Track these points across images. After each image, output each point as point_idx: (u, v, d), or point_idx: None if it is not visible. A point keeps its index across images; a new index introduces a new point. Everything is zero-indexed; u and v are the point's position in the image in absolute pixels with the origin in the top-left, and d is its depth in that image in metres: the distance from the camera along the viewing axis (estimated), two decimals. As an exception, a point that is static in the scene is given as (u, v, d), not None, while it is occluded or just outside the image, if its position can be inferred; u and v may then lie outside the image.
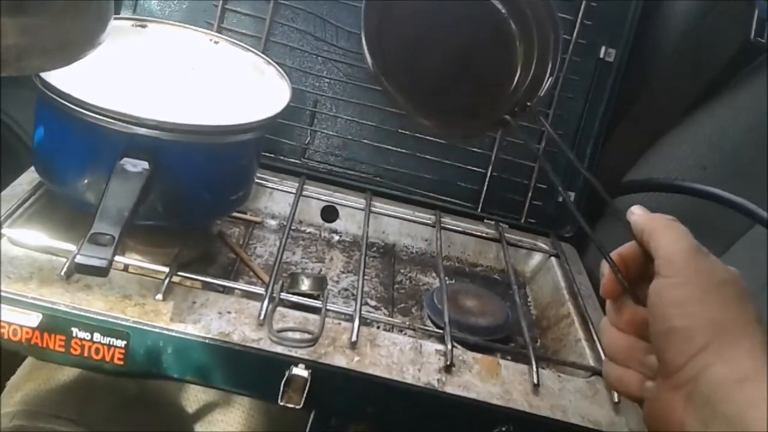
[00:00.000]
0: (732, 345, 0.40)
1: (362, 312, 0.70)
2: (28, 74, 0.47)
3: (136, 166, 0.63)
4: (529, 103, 0.58)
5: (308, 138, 0.97)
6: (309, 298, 0.73)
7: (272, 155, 0.95)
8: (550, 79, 0.59)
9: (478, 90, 0.60)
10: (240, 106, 0.79)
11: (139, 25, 0.82)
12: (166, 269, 0.68)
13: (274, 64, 0.84)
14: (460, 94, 0.58)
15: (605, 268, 0.48)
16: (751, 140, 0.88)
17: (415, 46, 0.59)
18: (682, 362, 0.41)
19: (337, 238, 0.95)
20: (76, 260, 0.54)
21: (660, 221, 0.46)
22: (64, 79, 0.66)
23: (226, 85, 0.83)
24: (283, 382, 0.62)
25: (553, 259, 0.94)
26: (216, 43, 0.85)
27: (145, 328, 0.62)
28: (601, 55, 0.96)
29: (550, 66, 0.60)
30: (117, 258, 0.69)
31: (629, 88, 0.98)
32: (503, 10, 0.60)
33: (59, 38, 0.43)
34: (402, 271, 0.92)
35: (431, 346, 0.69)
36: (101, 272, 0.53)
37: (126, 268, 0.70)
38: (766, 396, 0.37)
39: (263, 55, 0.85)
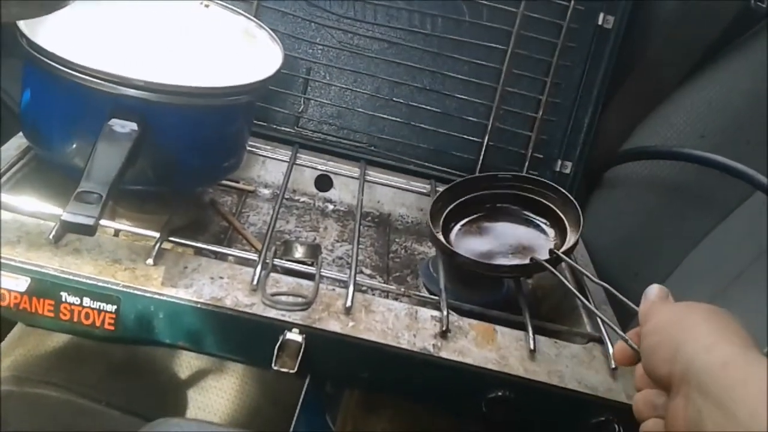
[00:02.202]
0: (705, 336, 0.43)
1: (357, 279, 0.69)
2: (5, 22, 0.46)
3: (125, 127, 0.62)
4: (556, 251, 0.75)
5: (301, 106, 0.96)
6: (303, 265, 0.72)
7: (265, 124, 0.94)
8: (572, 242, 0.76)
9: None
10: (231, 71, 0.77)
11: (128, -11, 0.80)
12: (157, 234, 0.67)
13: (266, 28, 0.82)
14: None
15: (618, 345, 0.55)
16: (749, 107, 0.87)
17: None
18: (669, 368, 0.45)
19: (331, 207, 0.94)
20: (62, 218, 0.52)
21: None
22: (51, 41, 0.65)
23: (217, 49, 0.82)
24: (277, 347, 0.61)
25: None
26: (207, 6, 0.83)
27: (136, 292, 0.61)
28: (600, 22, 0.95)
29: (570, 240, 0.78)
30: (107, 223, 0.68)
31: (627, 56, 0.96)
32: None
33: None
34: (397, 240, 0.91)
35: (427, 313, 0.68)
36: (88, 230, 0.52)
37: (116, 233, 0.69)
38: (749, 376, 0.40)
39: (255, 19, 0.84)
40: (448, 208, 0.83)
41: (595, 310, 0.68)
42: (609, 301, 0.77)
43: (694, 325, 0.45)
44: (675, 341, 0.45)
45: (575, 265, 0.75)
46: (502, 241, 0.81)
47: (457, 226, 0.83)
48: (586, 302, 0.70)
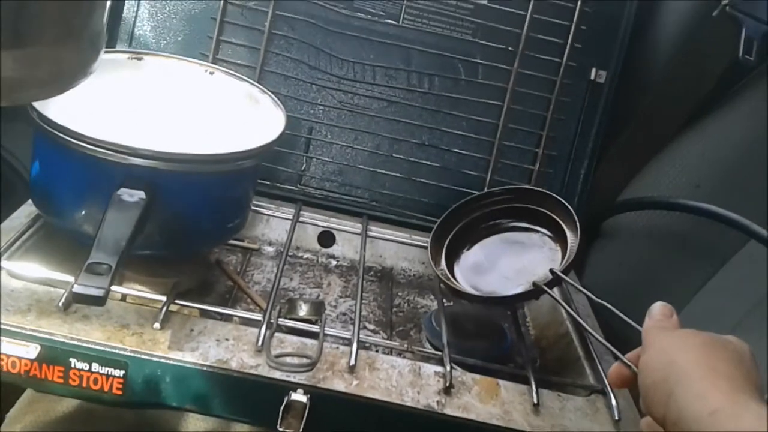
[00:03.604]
0: (697, 382, 0.43)
1: (360, 336, 0.70)
2: (21, 104, 0.48)
3: (133, 196, 0.63)
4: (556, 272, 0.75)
5: (304, 165, 0.98)
6: (307, 323, 0.73)
7: (268, 182, 0.96)
8: (574, 249, 0.77)
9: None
10: (236, 135, 0.80)
11: (134, 58, 0.84)
12: (164, 298, 0.68)
13: (269, 92, 0.85)
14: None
15: (614, 367, 0.55)
16: (743, 156, 0.89)
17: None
18: (663, 411, 0.45)
19: (334, 263, 0.95)
20: (73, 290, 0.54)
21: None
22: (60, 111, 0.67)
23: (222, 114, 0.84)
24: (282, 408, 0.61)
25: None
26: (211, 73, 0.86)
27: (144, 357, 0.62)
28: (592, 77, 0.98)
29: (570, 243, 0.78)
30: (114, 288, 0.69)
31: (621, 109, 0.99)
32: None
33: (53, 68, 0.44)
34: (400, 294, 0.92)
35: (430, 369, 0.69)
36: (99, 302, 0.54)
37: (124, 298, 0.71)
38: (738, 425, 0.40)
39: (258, 84, 0.87)
40: (448, 239, 0.85)
41: (591, 331, 0.68)
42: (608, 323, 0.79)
43: (686, 368, 0.45)
44: (668, 385, 0.45)
45: (575, 284, 0.75)
46: (508, 260, 0.82)
47: (462, 255, 0.84)
48: (579, 320, 0.71)
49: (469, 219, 0.86)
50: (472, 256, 0.84)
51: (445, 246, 0.85)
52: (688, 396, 0.43)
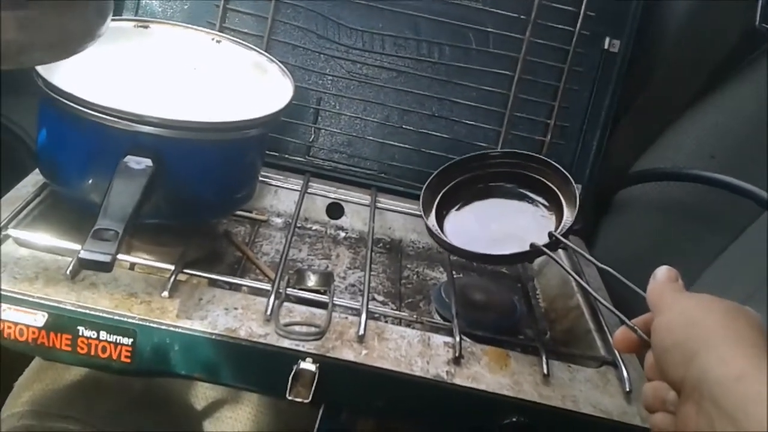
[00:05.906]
0: (722, 346, 0.42)
1: (369, 306, 0.69)
2: (27, 67, 0.47)
3: (140, 163, 0.63)
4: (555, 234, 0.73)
5: (312, 136, 0.97)
6: (316, 293, 0.72)
7: (277, 154, 0.95)
8: (570, 220, 0.75)
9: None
10: (243, 105, 0.79)
11: (141, 26, 0.83)
12: (172, 267, 0.68)
13: (277, 61, 0.84)
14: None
15: (620, 331, 0.54)
16: (758, 127, 0.87)
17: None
18: (683, 373, 0.44)
19: (343, 234, 0.95)
20: (79, 255, 0.54)
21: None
22: (66, 80, 0.66)
23: (229, 83, 0.83)
24: (290, 377, 0.61)
25: (560, 251, 0.93)
26: (218, 42, 0.85)
27: (152, 325, 0.62)
28: (606, 47, 0.96)
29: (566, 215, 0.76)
30: (123, 257, 0.69)
31: (634, 79, 0.97)
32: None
33: (59, 31, 0.43)
34: (409, 266, 0.92)
35: (439, 339, 0.68)
36: (105, 267, 0.53)
37: (132, 266, 0.70)
38: (764, 392, 0.39)
39: (266, 53, 0.86)
40: (440, 194, 0.82)
41: (596, 295, 0.67)
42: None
43: (710, 331, 0.44)
44: (690, 348, 0.44)
45: (575, 248, 0.74)
46: (500, 224, 0.80)
47: (452, 212, 0.82)
48: (584, 284, 0.69)
49: (465, 177, 0.83)
50: (462, 216, 0.82)
51: (437, 199, 0.81)
52: (711, 359, 0.42)
